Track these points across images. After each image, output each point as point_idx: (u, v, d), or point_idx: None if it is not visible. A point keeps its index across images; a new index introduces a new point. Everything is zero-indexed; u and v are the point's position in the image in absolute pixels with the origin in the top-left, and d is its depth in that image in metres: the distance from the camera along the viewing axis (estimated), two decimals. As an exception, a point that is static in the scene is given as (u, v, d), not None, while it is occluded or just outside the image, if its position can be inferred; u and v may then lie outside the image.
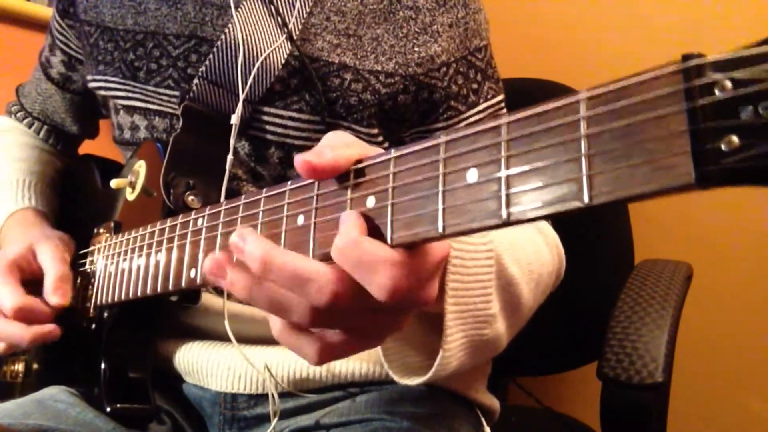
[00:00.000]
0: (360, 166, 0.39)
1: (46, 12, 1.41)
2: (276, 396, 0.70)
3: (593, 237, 1.14)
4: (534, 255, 0.65)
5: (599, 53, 1.50)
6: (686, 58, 0.26)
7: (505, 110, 0.82)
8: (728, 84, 0.25)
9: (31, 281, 0.73)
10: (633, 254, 1.15)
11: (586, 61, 1.50)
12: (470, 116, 0.79)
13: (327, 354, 0.42)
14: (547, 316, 0.94)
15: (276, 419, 0.70)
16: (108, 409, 0.69)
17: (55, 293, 0.71)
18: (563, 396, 1.47)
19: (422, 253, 0.38)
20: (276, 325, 0.44)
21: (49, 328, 0.70)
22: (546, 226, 0.75)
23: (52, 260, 0.73)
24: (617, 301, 0.89)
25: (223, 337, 0.71)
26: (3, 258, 0.73)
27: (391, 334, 0.44)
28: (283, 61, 0.73)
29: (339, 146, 0.41)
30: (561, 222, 0.81)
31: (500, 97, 0.82)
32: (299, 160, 0.40)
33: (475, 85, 0.79)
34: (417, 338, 0.54)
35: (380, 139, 0.76)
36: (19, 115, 0.99)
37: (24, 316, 0.69)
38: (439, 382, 0.74)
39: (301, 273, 0.39)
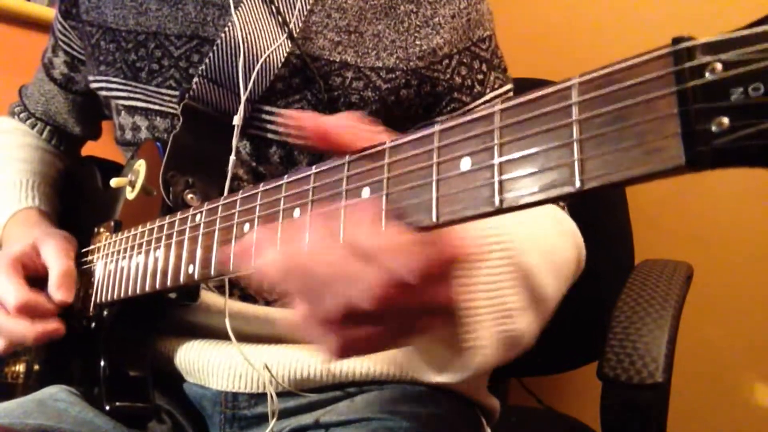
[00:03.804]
0: (354, 157, 0.39)
1: (46, 12, 1.42)
2: (274, 396, 0.70)
3: (593, 237, 1.13)
4: (553, 244, 0.62)
5: (599, 53, 1.50)
6: (676, 41, 0.26)
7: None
8: (718, 66, 0.25)
9: (35, 279, 0.72)
10: (633, 254, 1.14)
11: (586, 62, 1.50)
12: (476, 107, 0.78)
13: (348, 351, 0.40)
14: (547, 316, 0.94)
15: (275, 420, 0.70)
16: (107, 408, 0.69)
17: (60, 289, 0.70)
18: (563, 396, 1.46)
19: (437, 239, 0.35)
20: (298, 312, 0.40)
21: (54, 325, 0.69)
22: (563, 216, 0.74)
23: (56, 256, 0.73)
24: (617, 301, 0.89)
25: (223, 336, 0.71)
26: (6, 255, 0.72)
27: (418, 337, 0.43)
28: (283, 60, 0.73)
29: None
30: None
31: (508, 87, 0.81)
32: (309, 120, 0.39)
33: (480, 76, 0.78)
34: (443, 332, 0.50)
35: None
36: (22, 115, 0.99)
37: (28, 312, 0.69)
38: (439, 381, 0.74)
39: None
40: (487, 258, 0.49)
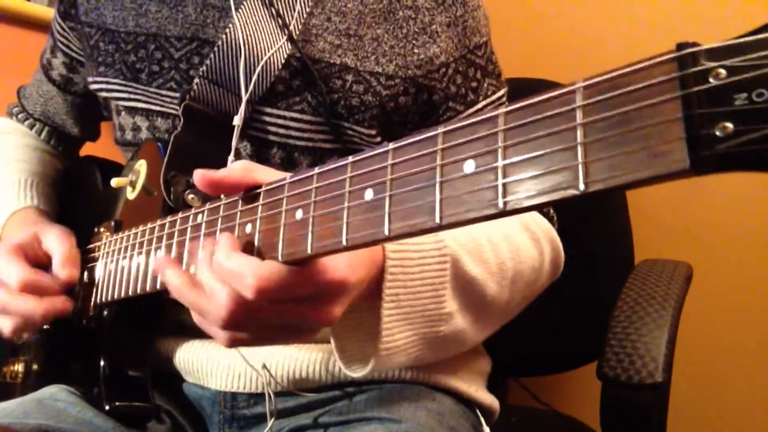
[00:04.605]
0: (358, 158, 0.40)
1: (46, 12, 1.41)
2: (272, 395, 0.70)
3: (593, 237, 1.14)
4: (509, 253, 0.67)
5: (599, 53, 1.50)
6: (681, 47, 0.27)
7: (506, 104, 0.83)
8: (722, 71, 0.25)
9: (38, 266, 0.72)
10: (633, 254, 1.15)
11: (586, 62, 1.51)
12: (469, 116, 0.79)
13: (237, 343, 0.51)
14: (547, 315, 0.95)
15: (273, 419, 0.70)
16: (107, 408, 0.69)
17: (65, 267, 0.71)
18: (563, 396, 1.47)
19: (306, 272, 0.45)
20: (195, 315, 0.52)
21: (62, 302, 0.70)
22: (537, 219, 0.75)
23: (58, 241, 0.73)
24: (617, 301, 0.89)
25: None
26: (8, 242, 0.73)
27: (296, 338, 0.53)
28: (283, 62, 0.73)
29: (236, 169, 0.50)
30: (561, 222, 0.81)
31: (501, 93, 0.82)
32: (198, 174, 0.49)
33: (474, 84, 0.79)
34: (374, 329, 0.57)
35: (378, 139, 0.77)
36: (20, 116, 0.99)
37: (33, 290, 0.69)
38: (439, 381, 0.74)
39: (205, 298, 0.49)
40: (418, 270, 0.58)
